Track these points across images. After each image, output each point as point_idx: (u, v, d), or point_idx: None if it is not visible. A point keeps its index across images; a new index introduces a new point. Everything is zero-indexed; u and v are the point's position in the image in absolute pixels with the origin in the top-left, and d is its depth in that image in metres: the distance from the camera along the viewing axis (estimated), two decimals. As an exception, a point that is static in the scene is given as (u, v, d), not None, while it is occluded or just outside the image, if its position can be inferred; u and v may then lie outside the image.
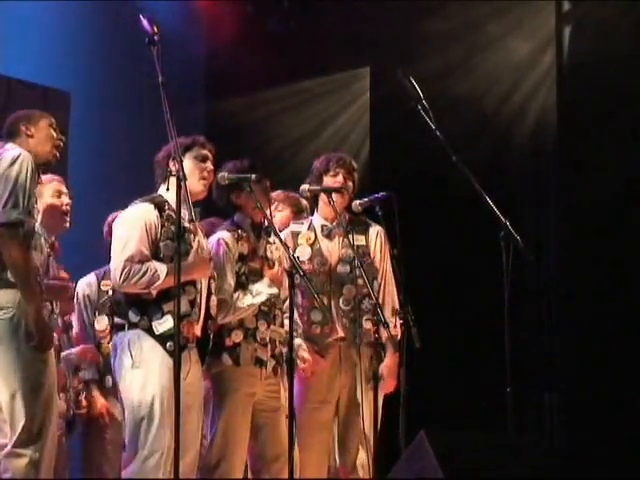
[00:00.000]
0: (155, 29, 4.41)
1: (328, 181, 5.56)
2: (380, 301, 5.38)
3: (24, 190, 4.52)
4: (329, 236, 5.61)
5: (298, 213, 5.92)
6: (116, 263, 4.86)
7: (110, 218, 5.68)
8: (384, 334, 5.34)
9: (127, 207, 5.07)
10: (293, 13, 8.76)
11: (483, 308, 6.59)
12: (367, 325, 5.50)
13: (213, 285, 5.14)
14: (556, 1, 7.59)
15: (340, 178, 5.56)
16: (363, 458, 5.42)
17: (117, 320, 4.98)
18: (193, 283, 4.96)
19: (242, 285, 5.21)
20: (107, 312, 5.73)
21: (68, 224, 5.51)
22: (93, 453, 6.04)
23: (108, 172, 8.00)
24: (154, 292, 4.85)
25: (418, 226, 7.22)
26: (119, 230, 4.95)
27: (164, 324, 4.84)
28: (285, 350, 5.28)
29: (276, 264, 5.31)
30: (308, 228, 5.63)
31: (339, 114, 8.73)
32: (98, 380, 5.96)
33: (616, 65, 7.15)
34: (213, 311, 5.12)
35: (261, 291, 5.19)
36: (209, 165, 5.11)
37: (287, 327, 5.24)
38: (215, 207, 5.48)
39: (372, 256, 5.58)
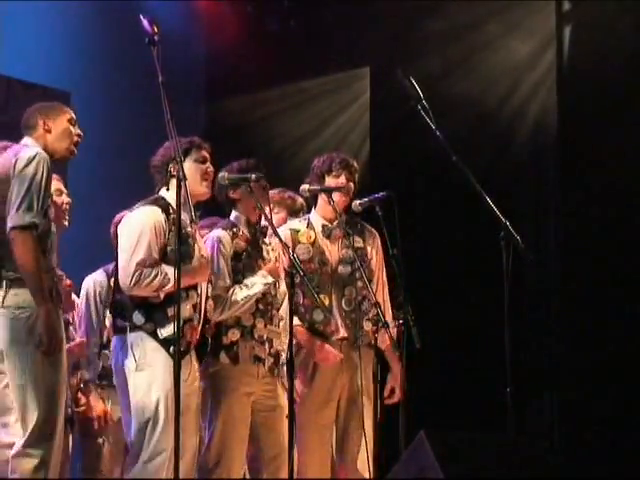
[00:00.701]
0: (155, 29, 4.41)
1: (330, 182, 5.55)
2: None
3: (39, 192, 4.49)
4: (329, 236, 5.61)
5: (293, 214, 5.91)
6: (127, 266, 4.85)
7: (117, 218, 5.62)
8: (385, 341, 5.37)
9: (130, 207, 5.07)
10: (293, 13, 8.77)
11: (483, 308, 6.59)
12: (367, 326, 5.52)
13: (210, 289, 5.15)
14: (556, 1, 7.58)
15: (343, 179, 5.56)
16: (363, 458, 5.42)
17: (119, 322, 4.97)
18: (195, 288, 4.97)
19: (238, 283, 5.21)
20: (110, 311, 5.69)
21: (67, 223, 5.51)
22: (90, 452, 6.03)
23: (108, 172, 8.00)
24: (162, 295, 4.85)
25: (418, 226, 7.24)
26: (129, 233, 4.93)
27: (168, 328, 4.84)
28: (280, 349, 5.28)
29: (273, 258, 5.31)
30: (307, 226, 5.63)
31: (339, 114, 8.73)
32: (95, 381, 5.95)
33: (616, 65, 7.16)
34: (209, 314, 5.11)
35: (255, 282, 5.19)
36: (209, 166, 5.13)
37: (281, 327, 5.28)
38: (216, 207, 5.48)
39: (369, 258, 5.60)
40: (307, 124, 8.79)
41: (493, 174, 6.86)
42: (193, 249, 4.96)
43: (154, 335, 4.87)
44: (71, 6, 8.05)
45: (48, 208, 4.58)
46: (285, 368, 5.19)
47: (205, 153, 5.13)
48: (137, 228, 4.91)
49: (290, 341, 4.91)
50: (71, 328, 5.93)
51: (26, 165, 4.51)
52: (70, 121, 4.80)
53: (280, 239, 5.05)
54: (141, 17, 4.44)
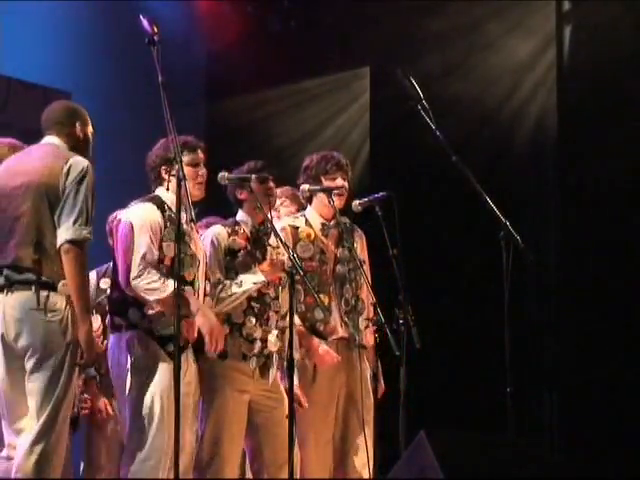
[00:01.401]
0: (155, 29, 4.41)
1: (326, 184, 5.56)
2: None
3: (92, 205, 4.53)
4: (327, 236, 5.61)
5: (302, 211, 5.91)
6: (128, 261, 4.86)
7: (111, 217, 5.66)
8: (370, 339, 5.37)
9: (127, 206, 5.07)
10: (293, 13, 8.77)
11: (483, 308, 6.59)
12: (363, 326, 5.52)
13: (208, 286, 5.16)
14: (556, 1, 7.59)
15: (339, 181, 5.57)
16: (363, 458, 5.42)
17: (115, 319, 4.98)
18: (192, 284, 4.97)
19: (231, 279, 5.21)
20: (102, 312, 5.68)
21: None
22: (96, 452, 6.05)
23: (108, 172, 7.98)
24: (153, 303, 4.84)
25: (418, 226, 7.23)
26: (127, 230, 4.93)
27: (165, 326, 4.83)
28: (272, 350, 5.28)
29: (272, 254, 5.30)
30: (305, 223, 5.62)
31: (339, 114, 8.73)
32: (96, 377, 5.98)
33: (616, 65, 7.16)
34: None
35: (246, 280, 5.17)
36: (202, 169, 5.14)
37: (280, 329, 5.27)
38: (215, 207, 5.48)
39: (361, 258, 5.61)
40: (307, 124, 8.79)
41: (493, 174, 6.86)
42: (189, 247, 4.96)
43: (150, 333, 4.87)
44: (71, 6, 8.05)
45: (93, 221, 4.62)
46: (285, 368, 5.18)
47: (199, 155, 5.14)
48: (135, 224, 4.92)
49: (290, 341, 4.91)
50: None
51: (82, 178, 4.54)
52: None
53: (281, 239, 5.05)
54: (141, 17, 4.44)
